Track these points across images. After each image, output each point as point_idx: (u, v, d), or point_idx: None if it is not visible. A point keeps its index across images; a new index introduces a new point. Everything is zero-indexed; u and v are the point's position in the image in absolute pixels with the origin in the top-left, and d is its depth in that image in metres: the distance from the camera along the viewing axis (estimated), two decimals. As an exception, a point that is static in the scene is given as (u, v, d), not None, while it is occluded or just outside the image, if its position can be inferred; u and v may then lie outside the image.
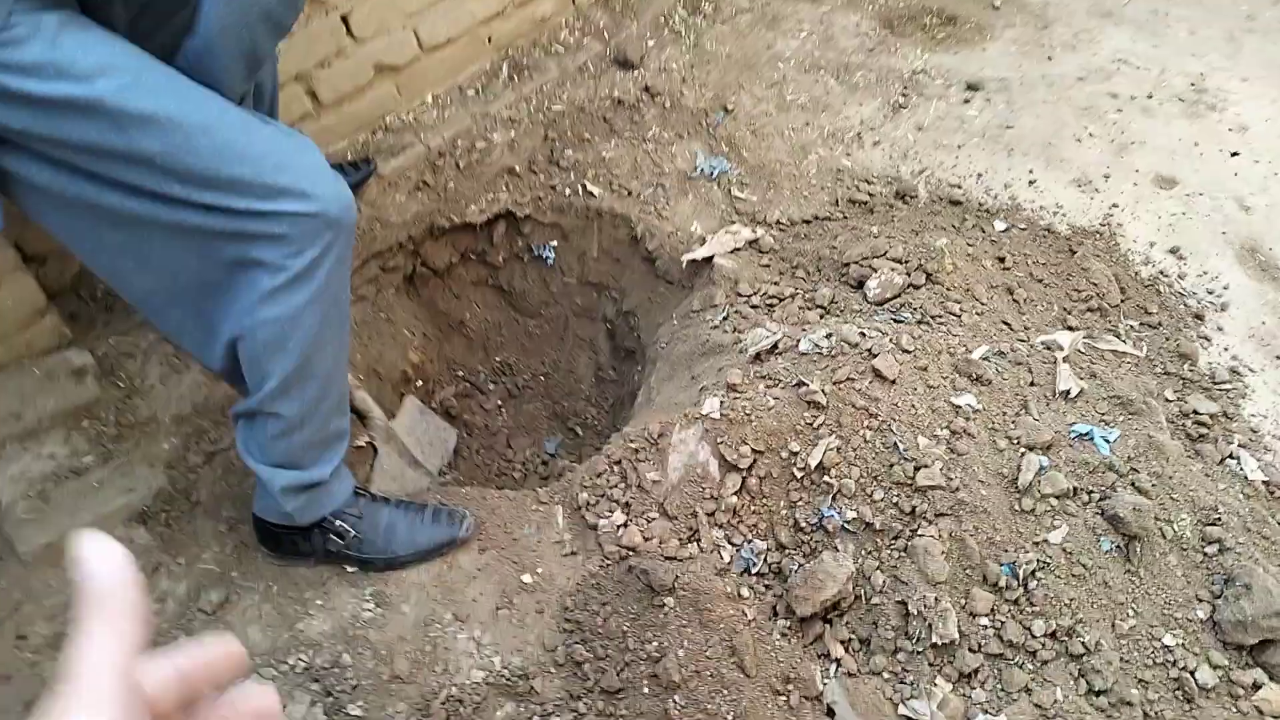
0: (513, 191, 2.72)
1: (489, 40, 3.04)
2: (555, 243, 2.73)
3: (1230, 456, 1.92)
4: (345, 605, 1.86)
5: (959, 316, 2.03)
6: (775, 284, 2.25)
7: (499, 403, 2.78)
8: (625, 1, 3.30)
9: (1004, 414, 1.82)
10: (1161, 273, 2.35)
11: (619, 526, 1.85)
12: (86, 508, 1.96)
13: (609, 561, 1.82)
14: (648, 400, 2.17)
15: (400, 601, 1.86)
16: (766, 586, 1.75)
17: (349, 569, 1.90)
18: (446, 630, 1.81)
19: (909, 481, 1.70)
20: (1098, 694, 1.58)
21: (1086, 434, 1.81)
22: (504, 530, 1.95)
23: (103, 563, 0.44)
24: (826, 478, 1.73)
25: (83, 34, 1.28)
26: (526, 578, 1.87)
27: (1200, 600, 1.69)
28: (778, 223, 2.51)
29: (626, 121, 2.90)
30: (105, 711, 0.39)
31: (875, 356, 1.82)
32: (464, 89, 3.02)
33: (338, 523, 1.83)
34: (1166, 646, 1.63)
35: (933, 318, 2.01)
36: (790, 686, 1.64)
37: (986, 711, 1.56)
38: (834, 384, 1.81)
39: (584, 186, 2.69)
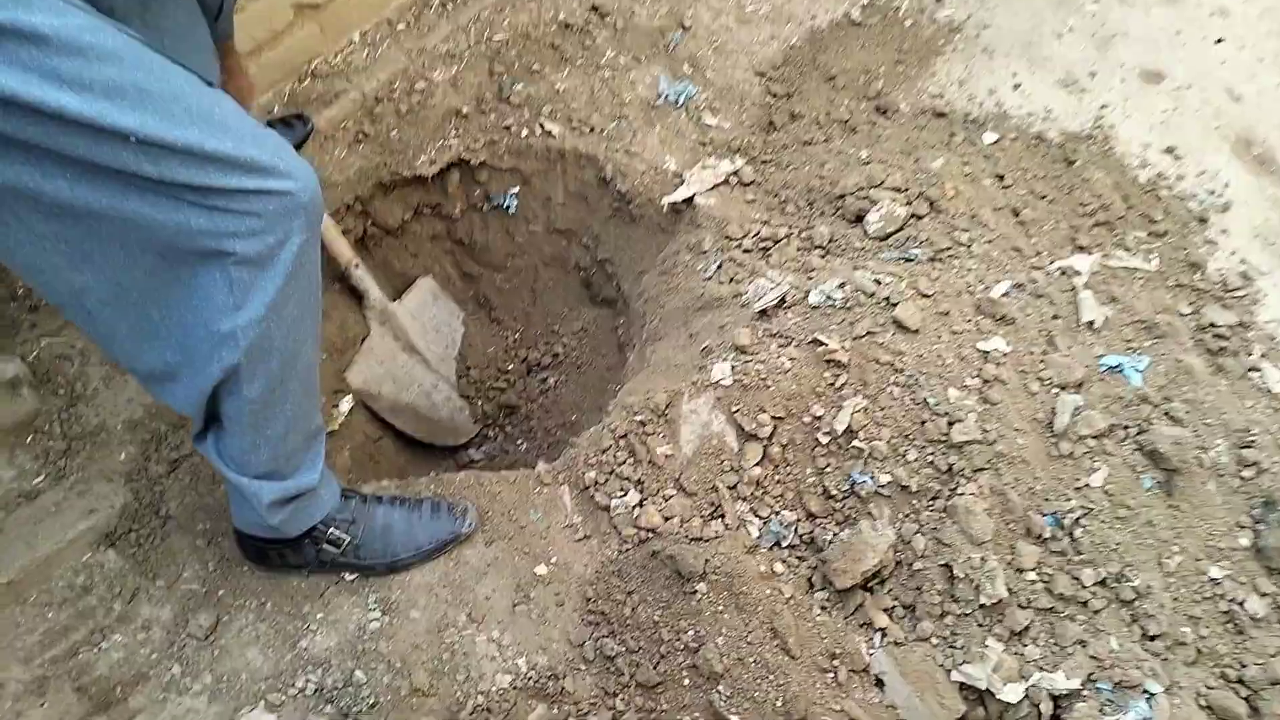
0: (463, 136, 2.50)
1: (416, -35, 2.76)
2: (516, 189, 2.53)
3: (1253, 369, 1.86)
4: (349, 616, 1.73)
5: (968, 247, 1.91)
6: (766, 223, 2.10)
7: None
8: (559, -90, 3.01)
9: (1031, 354, 1.72)
10: (1160, 175, 2.25)
11: (634, 506, 1.73)
12: (46, 535, 1.78)
13: (628, 545, 1.71)
14: (642, 362, 2.03)
15: (408, 607, 1.74)
16: (800, 559, 1.66)
17: (348, 576, 1.77)
18: (463, 634, 1.70)
19: (944, 438, 1.60)
20: (1152, 639, 1.53)
21: (1117, 366, 1.73)
22: (508, 518, 1.82)
23: None
24: (855, 441, 1.62)
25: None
26: (540, 569, 1.75)
27: (1242, 528, 1.65)
28: (755, 150, 2.34)
29: (577, 47, 2.67)
30: None
31: (895, 306, 1.70)
32: (394, 23, 2.74)
33: (330, 531, 1.68)
34: (1214, 579, 1.59)
35: (942, 251, 1.89)
36: (837, 662, 1.56)
37: (1043, 669, 1.51)
38: (854, 339, 1.68)
39: (541, 125, 2.48)
